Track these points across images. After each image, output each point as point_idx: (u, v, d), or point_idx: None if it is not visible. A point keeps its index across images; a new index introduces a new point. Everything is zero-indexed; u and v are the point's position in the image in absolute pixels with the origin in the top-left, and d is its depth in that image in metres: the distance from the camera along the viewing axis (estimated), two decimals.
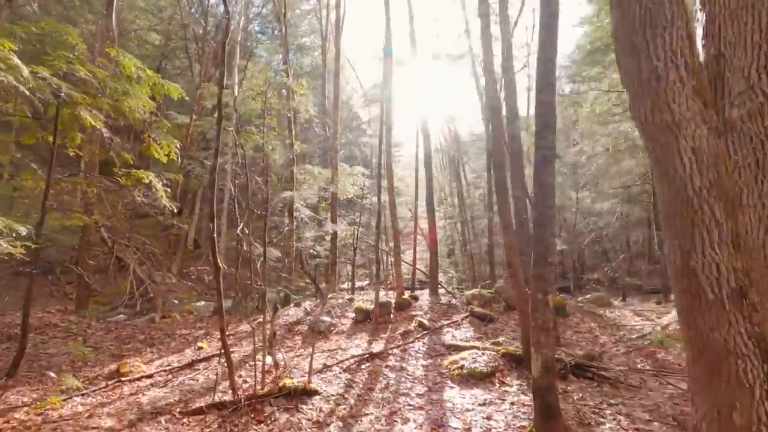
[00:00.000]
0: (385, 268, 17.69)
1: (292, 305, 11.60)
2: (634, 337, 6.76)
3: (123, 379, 5.50)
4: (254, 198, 14.26)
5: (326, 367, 5.82)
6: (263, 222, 14.96)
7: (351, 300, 10.82)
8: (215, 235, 4.46)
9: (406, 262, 18.61)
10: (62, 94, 4.75)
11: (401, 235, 23.21)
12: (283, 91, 14.74)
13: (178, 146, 6.38)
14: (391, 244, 22.01)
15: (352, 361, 6.06)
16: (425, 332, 7.25)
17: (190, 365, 6.29)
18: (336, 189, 12.56)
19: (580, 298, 10.29)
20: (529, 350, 5.26)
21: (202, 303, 16.48)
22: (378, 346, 6.93)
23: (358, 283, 20.93)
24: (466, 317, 7.87)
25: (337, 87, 12.83)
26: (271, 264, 14.86)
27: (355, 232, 12.79)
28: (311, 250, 15.26)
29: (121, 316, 13.20)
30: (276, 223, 17.63)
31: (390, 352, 6.41)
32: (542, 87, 3.72)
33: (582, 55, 11.48)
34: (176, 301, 16.25)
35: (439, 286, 12.86)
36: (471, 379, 5.06)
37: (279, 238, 13.18)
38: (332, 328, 8.62)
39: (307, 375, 5.58)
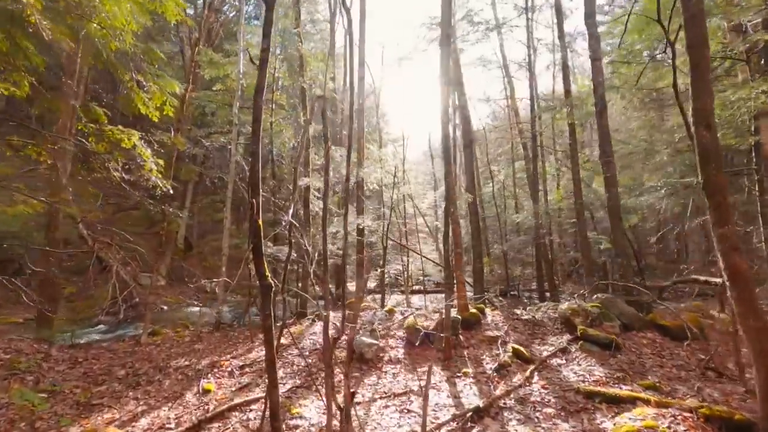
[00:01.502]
0: (405, 270, 15.52)
1: (313, 317, 9.39)
2: None
3: None
4: (265, 184, 12.08)
5: None
6: (270, 215, 12.65)
7: (390, 312, 8.67)
8: (259, 223, 2.25)
9: (431, 260, 16.52)
10: None
11: (408, 233, 21.06)
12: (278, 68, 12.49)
13: (178, 88, 4.12)
14: (407, 241, 19.86)
15: (454, 424, 3.90)
16: (529, 366, 5.13)
17: (197, 429, 4.06)
18: (362, 175, 10.36)
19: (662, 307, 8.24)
20: None
21: (195, 309, 14.17)
22: (468, 390, 4.79)
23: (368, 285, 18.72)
24: (572, 341, 5.77)
25: (362, 52, 10.60)
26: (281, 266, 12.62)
27: (385, 228, 10.60)
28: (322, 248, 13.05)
29: (101, 326, 10.97)
30: (280, 219, 15.34)
31: (501, 404, 4.26)
32: None
33: None
34: (165, 307, 13.97)
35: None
36: None
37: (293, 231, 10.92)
38: (381, 354, 6.46)
39: None
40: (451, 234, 6.73)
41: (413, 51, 12.70)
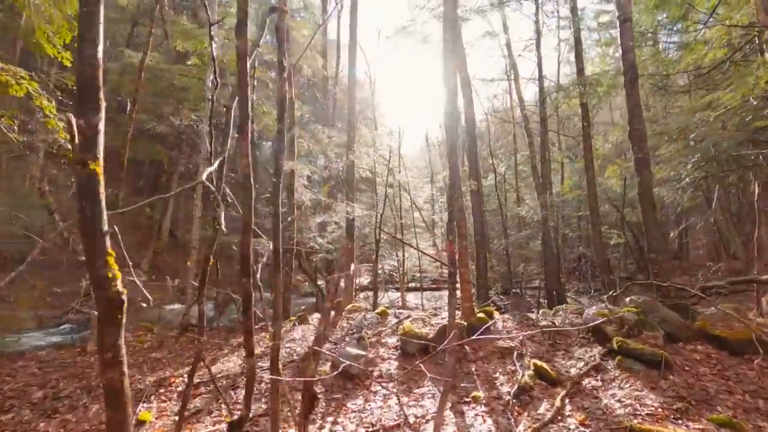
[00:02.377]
0: (402, 266, 14.37)
1: (296, 318, 8.23)
2: None
3: None
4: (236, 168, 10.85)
5: None
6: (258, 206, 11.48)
7: (383, 315, 7.52)
8: (95, 169, 1.07)
9: (429, 255, 15.38)
10: None
11: (404, 227, 19.88)
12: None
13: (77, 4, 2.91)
14: (400, 235, 18.61)
15: None
16: (557, 390, 4.01)
17: None
18: (353, 160, 9.19)
19: (707, 312, 7.16)
20: None
21: (178, 307, 13.01)
22: (481, 425, 3.66)
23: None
24: (606, 356, 4.65)
25: (355, 21, 9.43)
26: (263, 261, 11.41)
27: (378, 218, 9.43)
28: (311, 243, 11.84)
29: (66, 326, 10.00)
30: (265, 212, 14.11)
31: None
32: None
33: None
34: (144, 305, 12.79)
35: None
36: None
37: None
38: (370, 368, 5.33)
39: None
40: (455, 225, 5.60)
41: (412, 23, 11.41)
